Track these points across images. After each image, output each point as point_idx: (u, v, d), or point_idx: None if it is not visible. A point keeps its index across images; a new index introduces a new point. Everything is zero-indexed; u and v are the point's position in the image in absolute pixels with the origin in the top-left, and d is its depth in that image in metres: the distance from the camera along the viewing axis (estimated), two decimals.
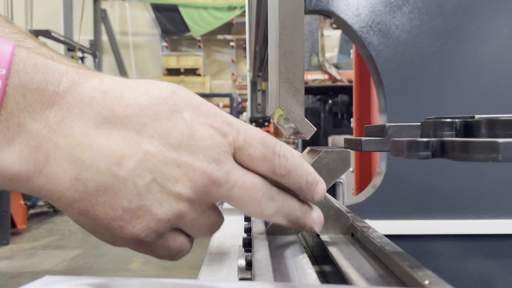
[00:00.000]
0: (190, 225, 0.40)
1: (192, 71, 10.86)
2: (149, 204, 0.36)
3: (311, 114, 4.62)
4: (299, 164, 0.42)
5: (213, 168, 0.37)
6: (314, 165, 0.50)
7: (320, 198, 0.44)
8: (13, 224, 4.77)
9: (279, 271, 0.40)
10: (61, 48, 8.44)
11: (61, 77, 0.35)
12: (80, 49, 8.51)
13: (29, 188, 0.36)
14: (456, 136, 0.37)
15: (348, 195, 2.94)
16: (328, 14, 0.88)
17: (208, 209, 0.40)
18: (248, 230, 0.57)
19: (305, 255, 0.44)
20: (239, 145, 0.39)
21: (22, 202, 4.95)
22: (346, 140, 0.53)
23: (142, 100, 0.37)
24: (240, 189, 0.39)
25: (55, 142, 0.34)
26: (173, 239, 0.40)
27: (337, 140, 3.65)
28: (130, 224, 0.37)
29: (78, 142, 0.35)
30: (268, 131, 2.73)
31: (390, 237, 0.44)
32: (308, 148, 0.59)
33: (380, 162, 0.92)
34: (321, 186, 0.44)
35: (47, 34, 7.48)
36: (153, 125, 0.37)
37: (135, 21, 11.02)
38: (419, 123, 0.41)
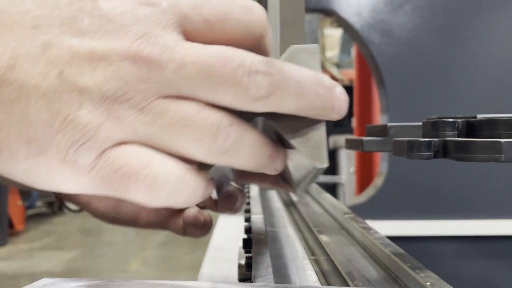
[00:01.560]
0: (145, 137, 0.27)
1: None
2: (64, 108, 0.26)
3: None
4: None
5: (139, 45, 0.26)
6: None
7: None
8: (11, 225, 4.78)
9: (280, 273, 0.39)
10: None
11: None
12: None
13: None
14: (458, 136, 0.36)
15: (350, 196, 2.94)
16: (329, 13, 0.88)
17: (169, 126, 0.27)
18: (248, 231, 0.56)
19: (306, 256, 0.44)
20: (183, 12, 0.27)
21: (20, 202, 4.95)
22: (347, 140, 0.52)
23: None
24: (195, 65, 0.26)
25: None
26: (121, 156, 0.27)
27: (338, 140, 3.64)
28: (46, 144, 0.26)
29: None
30: None
31: (392, 238, 0.44)
32: None
33: (382, 163, 0.91)
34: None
35: None
36: (53, 14, 0.27)
37: None
38: (421, 123, 0.40)
